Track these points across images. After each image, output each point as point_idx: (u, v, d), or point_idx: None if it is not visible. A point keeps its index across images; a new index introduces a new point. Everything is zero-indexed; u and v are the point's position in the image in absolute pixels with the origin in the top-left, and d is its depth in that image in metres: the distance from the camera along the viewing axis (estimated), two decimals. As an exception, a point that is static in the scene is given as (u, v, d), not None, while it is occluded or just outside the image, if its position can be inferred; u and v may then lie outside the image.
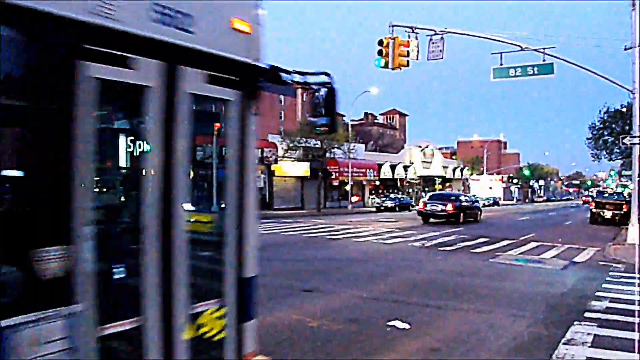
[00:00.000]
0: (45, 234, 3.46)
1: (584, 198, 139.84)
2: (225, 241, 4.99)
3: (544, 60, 25.96)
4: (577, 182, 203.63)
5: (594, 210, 45.47)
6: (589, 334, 9.68)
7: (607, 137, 65.34)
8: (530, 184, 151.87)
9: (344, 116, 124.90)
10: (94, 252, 3.67)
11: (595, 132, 66.80)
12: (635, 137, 26.33)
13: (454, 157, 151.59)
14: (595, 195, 57.84)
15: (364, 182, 72.24)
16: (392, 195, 70.25)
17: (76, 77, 3.48)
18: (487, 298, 12.89)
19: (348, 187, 62.90)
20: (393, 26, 24.57)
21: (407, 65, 24.51)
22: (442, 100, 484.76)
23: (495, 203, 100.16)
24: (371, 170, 70.76)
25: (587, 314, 11.20)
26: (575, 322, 10.44)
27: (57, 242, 3.43)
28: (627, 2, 26.20)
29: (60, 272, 3.43)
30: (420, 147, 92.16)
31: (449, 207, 39.26)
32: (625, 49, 26.39)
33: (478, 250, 23.16)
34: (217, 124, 5.68)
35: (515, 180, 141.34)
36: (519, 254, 22.39)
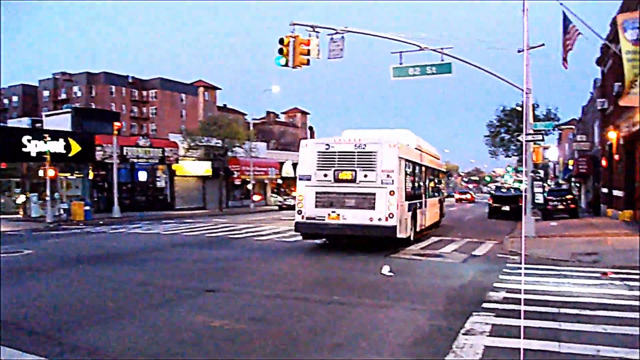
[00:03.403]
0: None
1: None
2: (440, 202, 35.53)
3: (442, 60, 26.45)
4: (476, 178, 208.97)
5: (492, 205, 46.78)
6: (487, 323, 9.97)
7: (503, 135, 67.58)
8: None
9: (245, 115, 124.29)
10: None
11: (492, 130, 69.22)
12: (527, 134, 27.16)
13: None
14: (493, 191, 59.59)
15: (266, 181, 71.96)
16: (294, 194, 70.32)
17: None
18: (388, 293, 13.09)
19: (249, 186, 62.63)
20: (294, 25, 24.59)
21: (308, 63, 24.57)
22: (344, 98, 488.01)
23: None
24: (273, 169, 70.51)
25: (485, 305, 11.54)
26: (474, 313, 10.73)
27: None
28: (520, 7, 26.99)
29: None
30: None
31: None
32: (519, 52, 27.19)
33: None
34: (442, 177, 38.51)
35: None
36: (420, 248, 22.81)
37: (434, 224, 32.29)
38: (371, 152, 21.42)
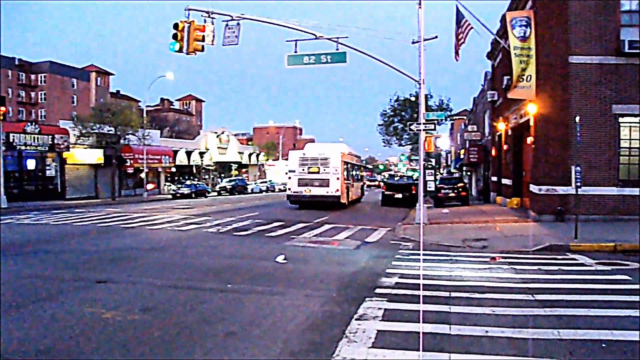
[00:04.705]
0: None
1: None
2: (362, 186, 57.73)
3: (337, 49, 26.61)
4: (370, 166, 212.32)
5: (385, 192, 47.56)
6: (379, 308, 10.15)
7: (397, 124, 68.66)
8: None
9: (139, 101, 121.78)
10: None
11: (386, 119, 70.09)
12: (420, 123, 27.70)
13: (250, 143, 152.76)
14: (386, 179, 61.29)
15: (160, 169, 70.91)
16: (188, 182, 69.82)
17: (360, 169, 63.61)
18: (282, 280, 13.10)
19: (143, 175, 61.72)
20: (189, 10, 24.25)
21: (202, 50, 24.32)
22: (239, 86, 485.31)
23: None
24: (167, 157, 69.56)
25: (377, 290, 11.73)
26: (366, 299, 10.90)
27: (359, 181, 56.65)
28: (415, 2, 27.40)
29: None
30: (216, 133, 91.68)
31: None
32: (413, 43, 27.65)
33: (273, 234, 23.50)
34: (358, 168, 56.71)
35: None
36: (313, 236, 22.96)
37: (358, 198, 52.27)
38: (327, 158, 40.41)
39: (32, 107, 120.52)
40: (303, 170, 40.28)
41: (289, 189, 41.23)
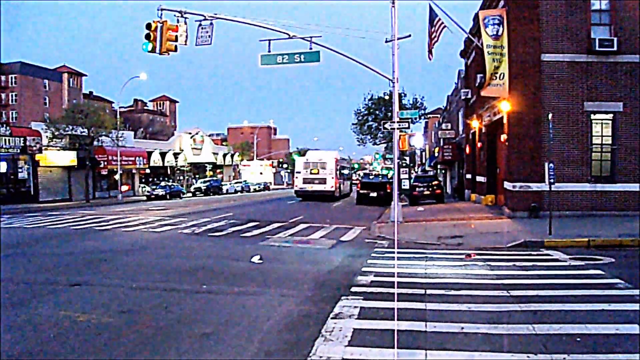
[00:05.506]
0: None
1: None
2: (348, 185, 68.54)
3: (311, 49, 26.61)
4: (345, 165, 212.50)
5: (360, 191, 47.66)
6: (355, 307, 10.15)
7: (371, 123, 68.93)
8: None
9: (112, 103, 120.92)
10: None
11: (360, 118, 70.53)
12: (394, 122, 27.76)
13: (224, 143, 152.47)
14: (361, 177, 62.12)
15: (134, 171, 70.59)
16: (162, 183, 69.46)
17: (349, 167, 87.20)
18: (257, 280, 13.06)
19: (117, 176, 61.27)
20: (162, 10, 24.12)
21: (176, 50, 24.21)
22: (213, 86, 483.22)
23: (266, 188, 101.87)
24: (141, 158, 69.22)
25: (353, 289, 11.75)
26: (342, 297, 10.90)
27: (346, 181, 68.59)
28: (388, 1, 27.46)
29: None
30: (190, 133, 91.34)
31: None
32: (386, 42, 27.73)
33: (248, 234, 23.44)
34: (349, 170, 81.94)
35: (285, 165, 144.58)
36: (289, 235, 22.96)
37: (348, 193, 63.84)
38: (325, 162, 52.91)
39: (3, 108, 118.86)
40: (306, 171, 53.04)
41: (296, 185, 54.26)
